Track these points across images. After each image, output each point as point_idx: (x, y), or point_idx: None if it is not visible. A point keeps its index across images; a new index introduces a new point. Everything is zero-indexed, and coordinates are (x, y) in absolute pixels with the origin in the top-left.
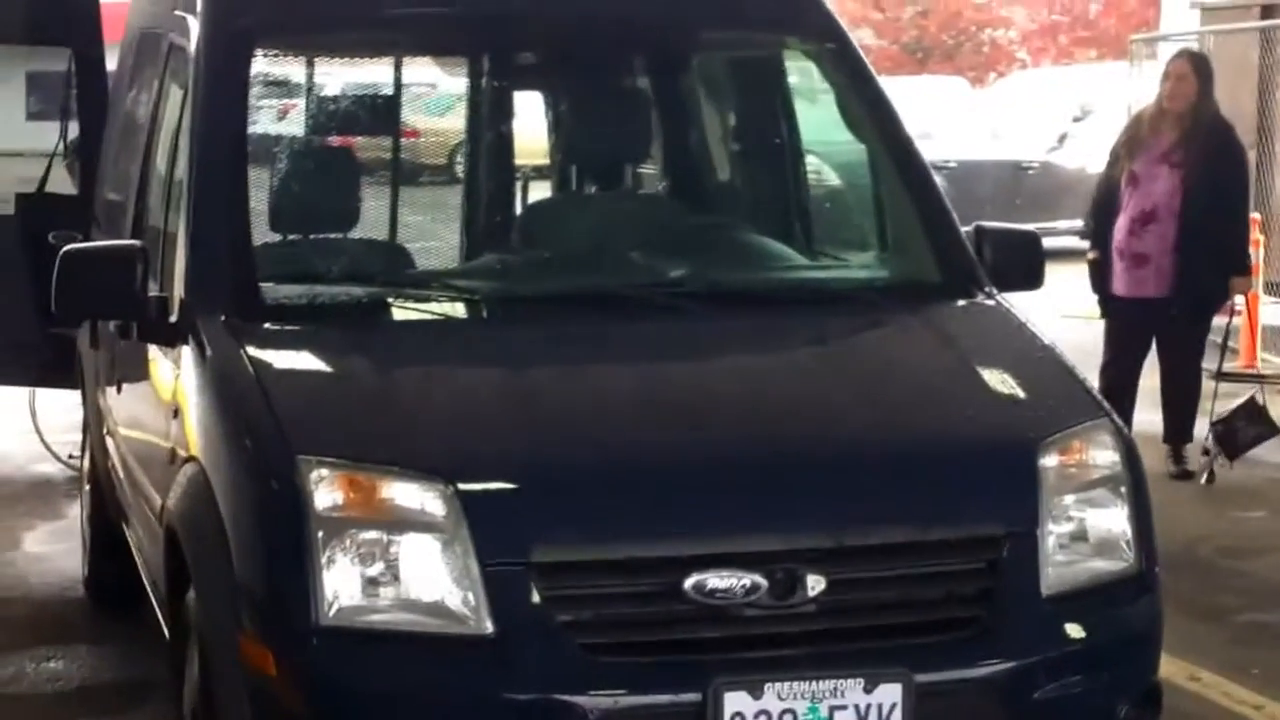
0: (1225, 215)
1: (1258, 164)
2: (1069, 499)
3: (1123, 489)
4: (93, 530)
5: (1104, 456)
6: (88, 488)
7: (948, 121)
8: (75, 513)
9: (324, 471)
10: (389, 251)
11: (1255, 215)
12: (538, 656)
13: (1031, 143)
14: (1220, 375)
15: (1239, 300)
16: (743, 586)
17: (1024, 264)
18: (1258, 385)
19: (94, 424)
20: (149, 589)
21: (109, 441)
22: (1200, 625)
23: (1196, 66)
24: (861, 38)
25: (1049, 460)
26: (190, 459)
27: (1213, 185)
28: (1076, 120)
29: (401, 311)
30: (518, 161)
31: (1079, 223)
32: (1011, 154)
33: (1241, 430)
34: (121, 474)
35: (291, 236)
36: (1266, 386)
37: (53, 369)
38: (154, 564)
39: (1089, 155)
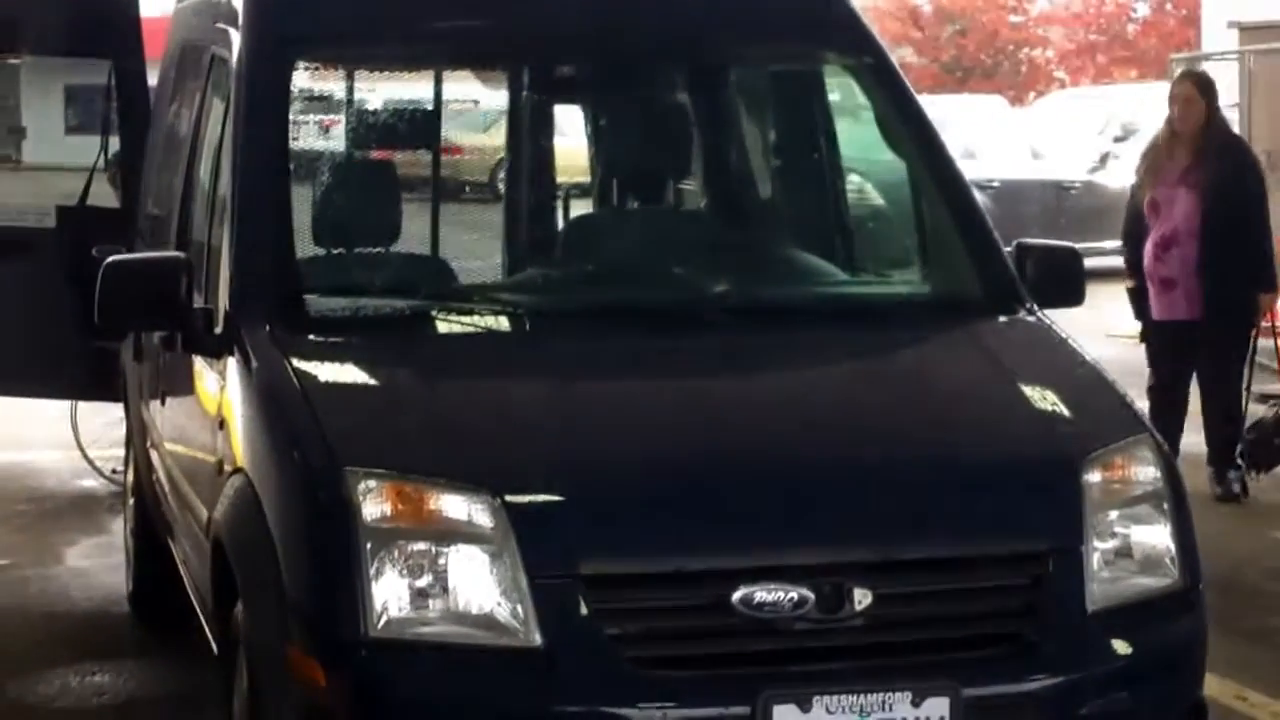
0: (1246, 232)
1: None
2: (1112, 515)
3: (1165, 505)
4: (137, 544)
5: (1146, 472)
6: (131, 501)
7: (988, 141)
8: (118, 528)
9: (371, 483)
10: (432, 265)
11: None
12: (586, 669)
13: (1073, 162)
14: (1261, 397)
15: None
16: (790, 600)
17: (1065, 280)
18: None
19: (137, 437)
20: (195, 602)
21: (153, 455)
22: (1247, 646)
23: (1201, 87)
24: (902, 56)
25: (1092, 476)
26: (237, 471)
27: (1230, 203)
28: (1118, 140)
29: (446, 324)
30: (558, 176)
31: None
32: (1054, 173)
33: (1273, 444)
34: (166, 487)
35: (334, 250)
36: None
37: (95, 382)
38: (200, 577)
39: (1132, 175)
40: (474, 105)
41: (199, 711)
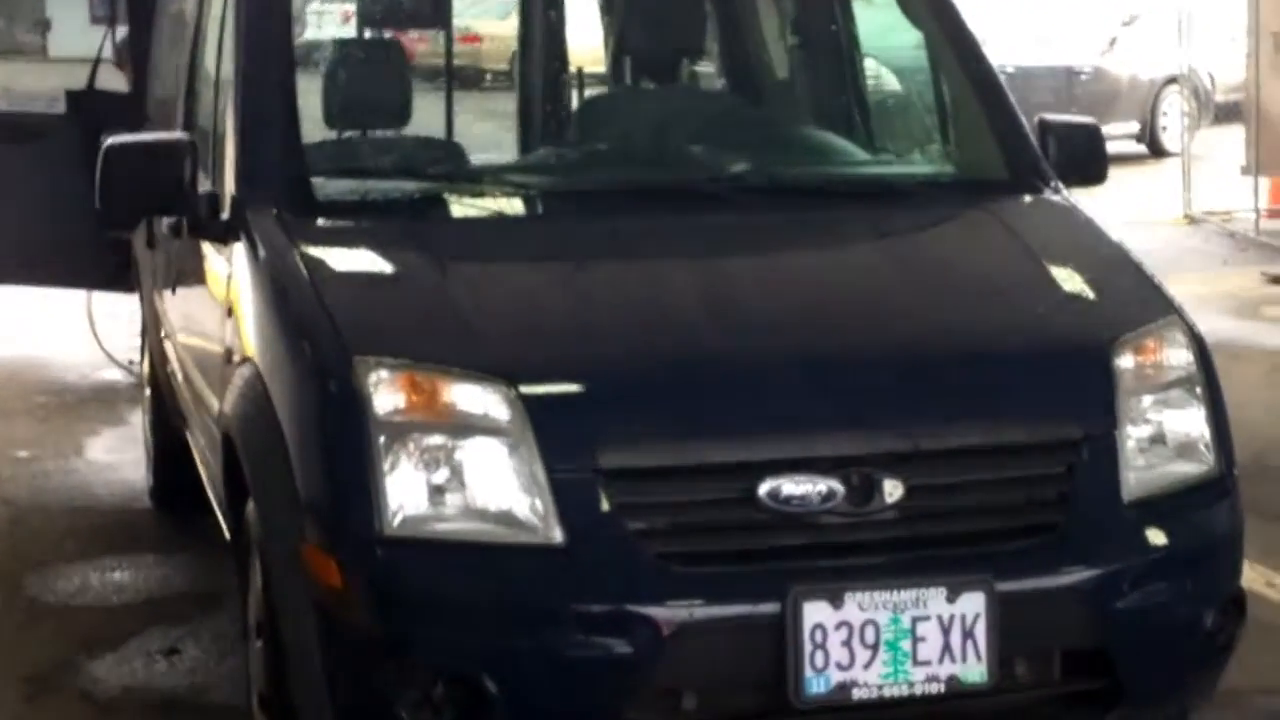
0: None
1: None
2: (1146, 400)
3: (1198, 389)
4: (155, 437)
5: (1178, 356)
6: (148, 393)
7: (997, 26)
8: (139, 419)
9: (383, 373)
10: (443, 147)
11: None
12: (609, 566)
13: (1082, 47)
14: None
15: None
16: (819, 493)
17: (1088, 157)
18: None
19: (151, 328)
20: (211, 497)
21: (166, 346)
22: (1276, 530)
23: None
24: None
25: (1124, 360)
26: (245, 360)
27: None
28: (1125, 25)
29: (458, 207)
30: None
31: (1134, 125)
32: (1065, 59)
33: None
34: (180, 379)
35: (343, 133)
36: None
37: (109, 272)
38: (214, 471)
39: (1139, 59)
40: None
41: (219, 608)
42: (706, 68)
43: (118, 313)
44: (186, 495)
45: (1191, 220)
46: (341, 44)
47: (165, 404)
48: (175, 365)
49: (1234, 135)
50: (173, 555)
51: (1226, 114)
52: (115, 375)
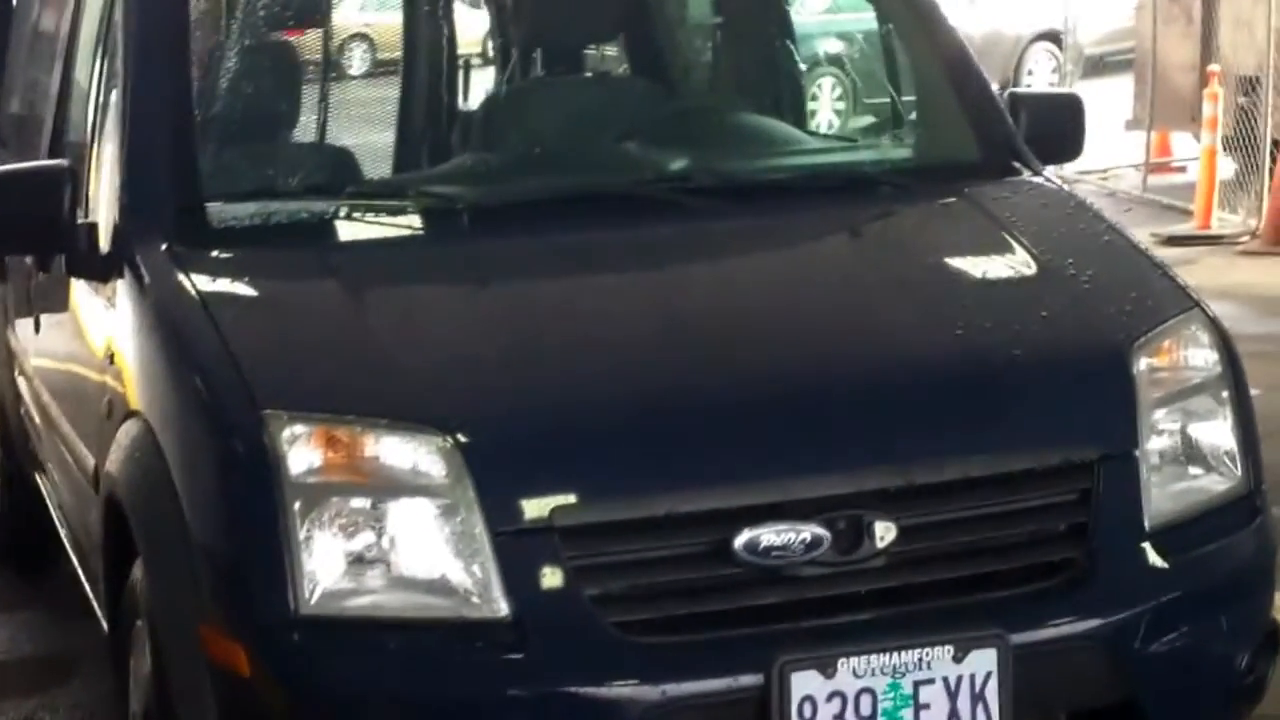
0: None
1: (1204, 18)
2: (1167, 410)
3: (1224, 393)
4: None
5: (1201, 356)
6: None
7: None
8: None
9: (298, 428)
10: (354, 159)
11: (1214, 68)
12: (564, 639)
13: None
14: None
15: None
16: (802, 542)
17: (1065, 132)
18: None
19: (4, 365)
20: (73, 557)
21: (21, 384)
22: None
23: None
24: None
25: (1142, 365)
26: (132, 414)
27: None
28: None
29: (376, 228)
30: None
31: (993, 86)
32: None
33: None
34: (39, 423)
35: (239, 147)
36: (1223, 247)
37: None
38: (85, 534)
39: (1002, 16)
40: None
41: (70, 675)
42: (612, 50)
43: None
44: (32, 545)
45: (1063, 181)
46: (232, 45)
47: (14, 446)
48: (33, 408)
49: (1101, 89)
50: (19, 614)
51: (1093, 68)
52: None
